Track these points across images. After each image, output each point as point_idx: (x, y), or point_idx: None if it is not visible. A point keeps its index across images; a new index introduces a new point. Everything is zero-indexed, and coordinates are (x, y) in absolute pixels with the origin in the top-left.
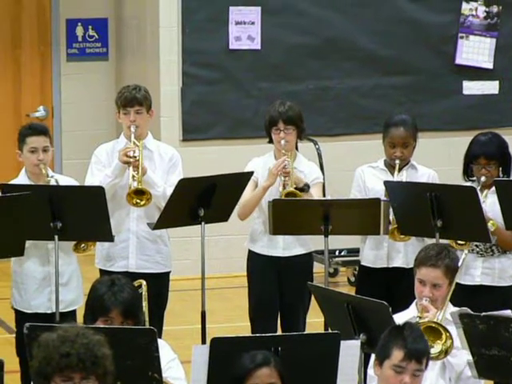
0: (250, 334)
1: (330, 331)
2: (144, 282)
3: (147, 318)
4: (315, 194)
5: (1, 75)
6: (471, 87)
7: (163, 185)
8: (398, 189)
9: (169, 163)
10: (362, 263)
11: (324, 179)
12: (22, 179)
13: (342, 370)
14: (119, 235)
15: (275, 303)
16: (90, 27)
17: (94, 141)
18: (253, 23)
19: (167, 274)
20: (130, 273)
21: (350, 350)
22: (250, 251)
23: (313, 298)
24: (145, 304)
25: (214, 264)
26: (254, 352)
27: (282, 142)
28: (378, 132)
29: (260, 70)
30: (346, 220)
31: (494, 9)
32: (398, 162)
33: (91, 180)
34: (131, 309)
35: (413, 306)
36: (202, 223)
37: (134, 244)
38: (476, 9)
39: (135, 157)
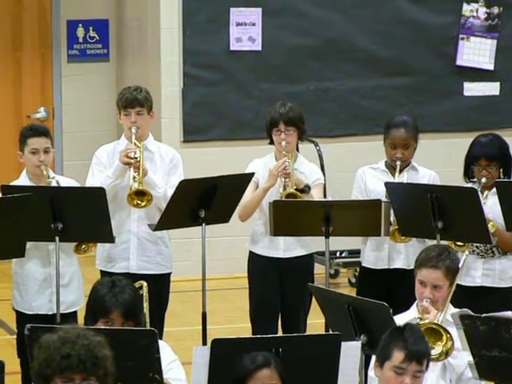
0: (251, 336)
1: (330, 332)
2: (145, 283)
3: (148, 319)
4: (316, 195)
5: (1, 76)
6: (472, 88)
7: (164, 186)
8: (399, 190)
9: (170, 164)
10: (363, 264)
11: (325, 180)
12: (23, 180)
13: (343, 371)
14: (120, 236)
15: (276, 304)
16: (90, 28)
17: (94, 142)
18: (253, 24)
19: (168, 275)
20: (131, 274)
21: (350, 351)
22: (250, 252)
23: (314, 299)
24: (145, 305)
25: (214, 265)
26: (255, 353)
27: (283, 143)
28: (379, 133)
29: (261, 71)
30: (346, 221)
31: (495, 10)
32: (398, 163)
33: (92, 181)
34: (132, 310)
35: (413, 308)
36: (203, 224)
37: (134, 245)
38: (477, 10)
39: (136, 158)
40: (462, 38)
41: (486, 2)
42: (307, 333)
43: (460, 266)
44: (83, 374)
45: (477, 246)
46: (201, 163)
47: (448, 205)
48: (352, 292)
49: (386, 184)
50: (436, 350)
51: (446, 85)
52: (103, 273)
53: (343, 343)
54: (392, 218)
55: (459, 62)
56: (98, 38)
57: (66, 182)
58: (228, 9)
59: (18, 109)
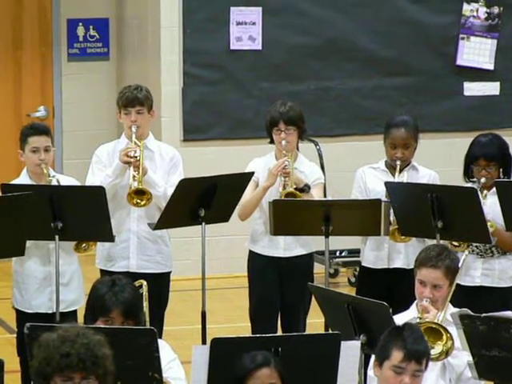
0: (251, 335)
1: (330, 332)
2: (145, 283)
3: (148, 319)
4: (316, 194)
5: (2, 75)
6: (472, 88)
7: (164, 185)
8: (399, 190)
9: (169, 163)
10: (363, 264)
11: (325, 180)
12: (23, 179)
13: (343, 371)
14: (120, 235)
15: (276, 304)
16: (91, 27)
17: (94, 141)
18: (254, 23)
19: (168, 274)
20: (131, 273)
21: (350, 351)
22: (250, 252)
23: (313, 298)
24: (145, 304)
25: (214, 264)
26: (255, 352)
27: (283, 142)
28: (379, 133)
29: (261, 70)
30: (346, 221)
31: (495, 10)
32: (398, 162)
33: (92, 180)
34: (132, 309)
35: (413, 307)
36: (203, 223)
37: (134, 244)
38: (477, 10)
39: (136, 157)
40: (463, 38)
41: (486, 1)
42: (307, 332)
43: (460, 265)
44: (83, 372)
45: (476, 246)
46: (201, 162)
47: (448, 204)
48: (352, 291)
49: (386, 184)
50: (436, 350)
51: (446, 84)
52: (103, 272)
53: (343, 343)
54: (392, 217)
55: (459, 61)
56: (98, 36)
57: (66, 180)
58: (228, 8)
59: (18, 108)
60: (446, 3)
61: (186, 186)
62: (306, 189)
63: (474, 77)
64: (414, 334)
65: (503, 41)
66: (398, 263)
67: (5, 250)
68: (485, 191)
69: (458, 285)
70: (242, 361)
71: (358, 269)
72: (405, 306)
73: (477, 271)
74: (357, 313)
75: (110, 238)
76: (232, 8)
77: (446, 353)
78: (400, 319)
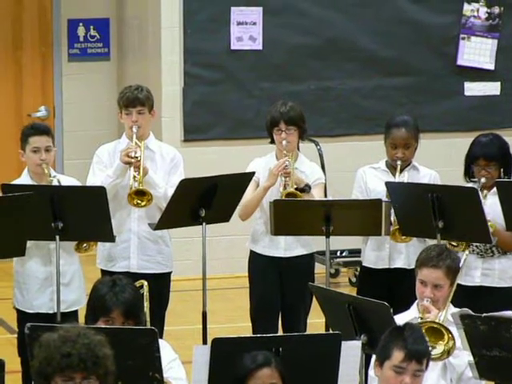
0: (251, 335)
1: (330, 332)
2: (145, 283)
3: (148, 319)
4: (317, 194)
5: (2, 75)
6: (473, 88)
7: (164, 185)
8: (400, 190)
9: (170, 164)
10: (364, 264)
11: (325, 180)
12: (24, 179)
13: (343, 371)
14: (120, 235)
15: (276, 304)
16: (91, 27)
17: (95, 141)
18: (254, 23)
19: (168, 274)
20: (132, 273)
21: (350, 351)
22: (251, 251)
23: (314, 298)
24: (146, 304)
25: (215, 264)
26: (255, 352)
27: (284, 142)
28: (380, 133)
29: (261, 70)
30: (347, 221)
31: (496, 10)
32: (399, 162)
33: (93, 180)
34: (132, 309)
35: (414, 307)
36: (203, 224)
37: (135, 244)
38: (477, 10)
39: (137, 157)
40: (463, 38)
41: (486, 1)
42: (307, 332)
43: (460, 265)
44: (83, 372)
45: (476, 246)
46: (201, 162)
47: (448, 204)
48: (352, 291)
49: (387, 184)
50: (438, 350)
51: (447, 84)
52: (104, 272)
53: (343, 343)
54: (392, 217)
55: (460, 61)
56: (98, 36)
57: (67, 180)
58: (229, 8)
59: (19, 108)
60: (447, 3)
61: (187, 186)
62: (306, 189)
63: (475, 77)
64: (415, 333)
65: (504, 41)
66: (399, 263)
67: (5, 250)
68: (485, 191)
69: (458, 285)
70: (242, 361)
71: (358, 269)
72: (405, 306)
73: (477, 271)
74: (357, 313)
75: (110, 238)
76: (232, 8)
77: (448, 352)
78: (401, 319)
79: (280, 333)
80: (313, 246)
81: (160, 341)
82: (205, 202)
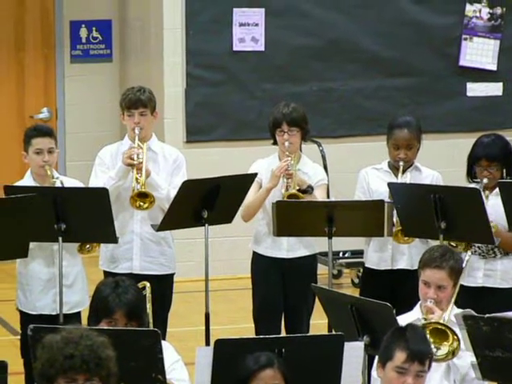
0: (254, 336)
1: (333, 333)
2: (148, 284)
3: (151, 320)
4: (319, 195)
5: (4, 77)
6: (475, 89)
7: (167, 187)
8: (402, 190)
9: (173, 165)
10: (366, 265)
11: (328, 181)
12: (27, 181)
13: (346, 372)
14: (123, 237)
15: (279, 305)
16: (93, 29)
17: (97, 142)
18: (256, 25)
19: (171, 275)
20: (134, 274)
21: (353, 352)
22: (254, 253)
23: (317, 299)
24: (149, 306)
25: (217, 266)
26: (258, 353)
27: (286, 143)
28: (382, 134)
29: (264, 71)
30: (349, 222)
31: (498, 10)
32: (401, 163)
33: (95, 182)
34: (135, 310)
35: (416, 308)
36: (206, 225)
37: (137, 246)
38: (480, 10)
39: (139, 159)
40: (465, 39)
41: (488, 2)
42: (310, 333)
43: (463, 266)
44: (86, 374)
45: (478, 247)
46: (204, 164)
47: (451, 205)
48: (355, 292)
49: (389, 184)
50: (442, 351)
51: (449, 85)
52: (106, 273)
53: (346, 344)
54: (395, 218)
55: (462, 62)
56: (100, 38)
57: (70, 182)
58: (231, 9)
59: (21, 109)
60: (449, 4)
61: (189, 188)
62: (309, 190)
63: (477, 77)
64: (417, 334)
65: (506, 41)
66: (402, 264)
67: (8, 251)
68: (486, 192)
69: (460, 285)
70: (245, 362)
71: (361, 270)
72: (408, 307)
73: (479, 272)
74: (360, 314)
75: (113, 239)
76: (235, 9)
77: (453, 353)
78: (403, 320)
79: (283, 334)
80: (315, 247)
81: (163, 342)
82: (207, 203)
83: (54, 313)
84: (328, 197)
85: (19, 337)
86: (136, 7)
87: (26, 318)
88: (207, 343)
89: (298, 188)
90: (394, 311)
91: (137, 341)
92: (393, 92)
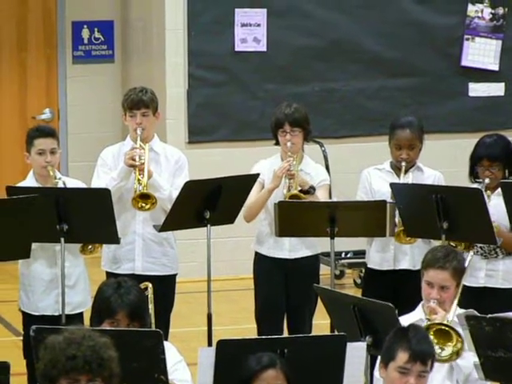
0: (256, 336)
1: (336, 333)
2: (150, 285)
3: (153, 320)
4: (321, 196)
5: (7, 78)
6: (477, 89)
7: (169, 188)
8: (404, 191)
9: (175, 166)
10: (369, 265)
11: (330, 181)
12: (29, 181)
13: (349, 372)
14: (125, 237)
15: (281, 305)
16: (95, 29)
17: (99, 143)
18: (258, 25)
19: (173, 276)
20: (137, 275)
21: (356, 352)
22: (256, 253)
23: (319, 299)
24: (151, 306)
25: (220, 266)
26: (260, 354)
27: (288, 144)
28: (384, 134)
29: (266, 71)
30: (352, 222)
31: (500, 11)
32: (404, 163)
33: (97, 182)
34: (137, 311)
35: (419, 308)
36: (208, 225)
37: (140, 246)
38: (482, 11)
39: (141, 160)
40: (467, 39)
41: (490, 2)
42: (313, 333)
43: (466, 266)
44: (89, 375)
45: (480, 247)
46: (206, 164)
47: (453, 205)
48: (357, 293)
49: (391, 185)
50: (446, 352)
51: (451, 85)
52: (109, 274)
53: (349, 344)
54: (397, 218)
55: (464, 62)
56: (102, 39)
57: (72, 183)
58: (233, 10)
59: (23, 110)
60: (451, 4)
61: (192, 188)
62: (311, 191)
63: (479, 77)
64: (419, 334)
65: (508, 41)
66: (404, 264)
67: (10, 252)
68: (488, 192)
69: (462, 285)
70: (247, 362)
71: (363, 270)
72: (411, 308)
73: (481, 272)
74: (362, 314)
75: (115, 240)
76: (237, 10)
77: (457, 354)
78: (406, 320)
79: (285, 334)
80: (318, 248)
81: (165, 343)
82: (209, 203)
83: (56, 313)
84: (330, 197)
85: (21, 337)
86: (138, 8)
87: (28, 319)
88: (209, 344)
89: (300, 188)
90: (397, 311)
91: (139, 341)
92: (395, 92)
